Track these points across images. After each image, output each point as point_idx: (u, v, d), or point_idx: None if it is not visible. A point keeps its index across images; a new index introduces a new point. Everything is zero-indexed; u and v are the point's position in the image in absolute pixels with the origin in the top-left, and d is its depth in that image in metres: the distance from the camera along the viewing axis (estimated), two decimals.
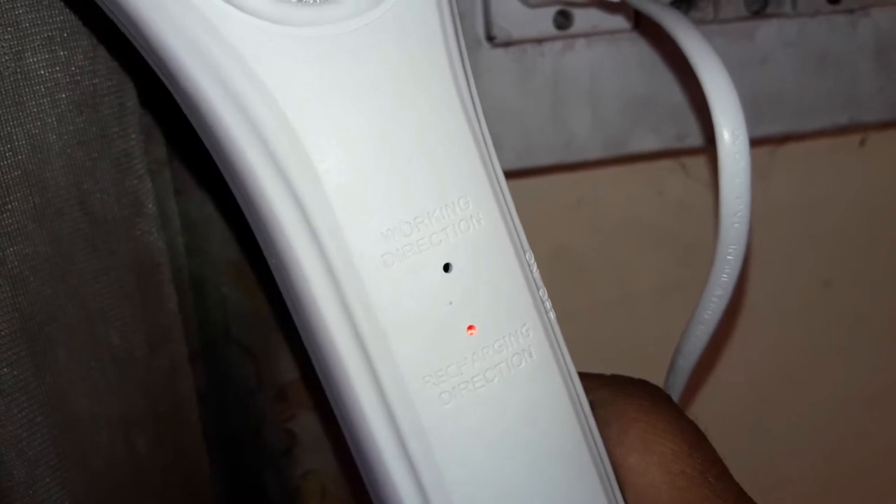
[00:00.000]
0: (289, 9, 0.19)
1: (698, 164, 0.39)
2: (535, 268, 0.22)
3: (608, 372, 0.26)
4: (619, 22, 0.34)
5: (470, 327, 0.21)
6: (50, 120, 0.26)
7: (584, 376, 0.24)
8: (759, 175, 0.40)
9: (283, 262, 0.20)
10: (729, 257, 0.26)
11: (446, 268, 0.20)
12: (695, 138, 0.36)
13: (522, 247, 0.22)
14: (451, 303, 0.20)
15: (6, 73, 0.24)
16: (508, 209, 0.22)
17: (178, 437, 0.32)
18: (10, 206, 0.25)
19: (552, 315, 0.23)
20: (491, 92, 0.34)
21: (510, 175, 0.37)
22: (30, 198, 0.25)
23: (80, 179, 0.27)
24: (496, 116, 0.35)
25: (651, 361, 0.34)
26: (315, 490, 0.35)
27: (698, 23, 0.33)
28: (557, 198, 0.39)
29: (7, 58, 0.24)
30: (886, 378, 0.45)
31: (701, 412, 0.42)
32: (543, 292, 0.22)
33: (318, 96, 0.19)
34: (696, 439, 0.24)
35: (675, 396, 0.31)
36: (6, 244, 0.25)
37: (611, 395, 0.25)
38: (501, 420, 0.21)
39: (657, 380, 0.32)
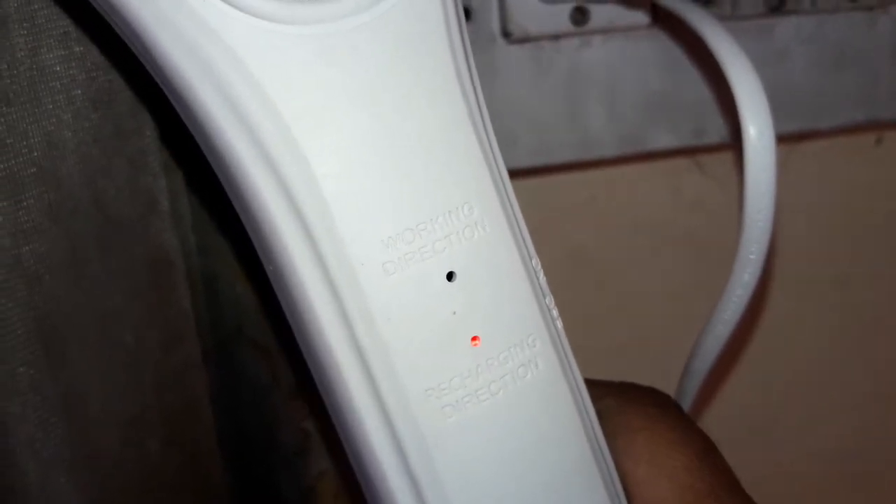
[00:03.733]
0: (286, 6, 0.18)
1: (714, 162, 0.39)
2: (541, 275, 0.22)
3: (616, 377, 0.25)
4: (636, 18, 0.34)
5: (474, 338, 0.20)
6: (66, 117, 0.25)
7: (590, 384, 0.23)
8: None
9: (281, 269, 0.20)
10: (751, 256, 0.25)
11: (450, 276, 0.20)
12: (712, 135, 0.36)
13: (529, 253, 0.21)
14: (454, 312, 0.20)
15: (22, 69, 0.24)
16: (514, 215, 0.21)
17: (191, 436, 0.32)
18: (25, 203, 0.24)
19: (559, 324, 0.22)
20: (506, 89, 0.34)
21: (524, 173, 0.37)
22: (45, 195, 0.25)
23: (94, 177, 0.27)
24: (511, 113, 0.34)
25: (663, 362, 0.34)
26: (330, 490, 0.34)
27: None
28: (571, 196, 0.38)
29: (22, 54, 0.24)
30: None
31: (711, 414, 0.42)
32: (550, 300, 0.22)
33: (316, 97, 0.19)
34: (705, 450, 0.24)
35: (690, 399, 0.31)
36: (22, 242, 0.24)
37: (617, 403, 0.24)
38: (507, 434, 0.20)
39: (670, 381, 0.32)
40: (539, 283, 0.21)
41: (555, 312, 0.22)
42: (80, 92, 0.25)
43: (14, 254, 0.24)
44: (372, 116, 0.19)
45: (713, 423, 0.42)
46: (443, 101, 0.20)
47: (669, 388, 0.32)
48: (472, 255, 0.20)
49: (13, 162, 0.24)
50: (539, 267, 0.22)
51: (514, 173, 0.37)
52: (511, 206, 0.21)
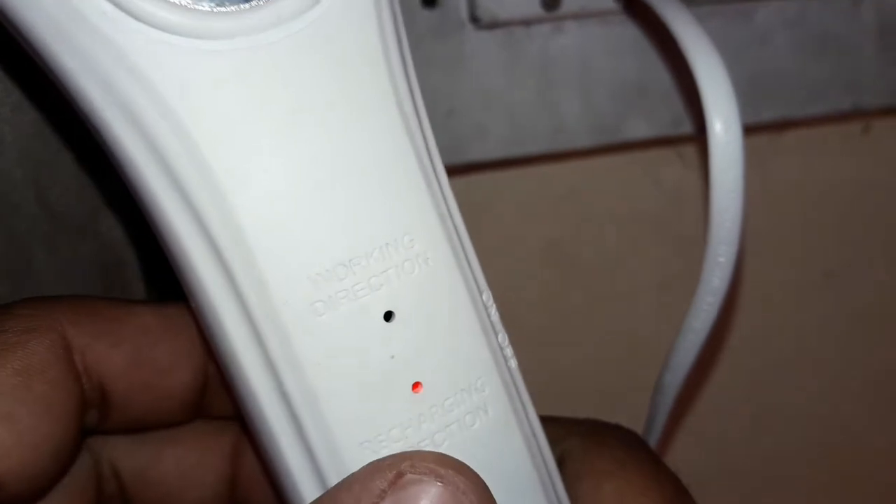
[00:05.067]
0: (197, 19, 0.16)
1: (695, 152, 0.38)
2: (493, 310, 0.20)
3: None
4: (609, 3, 0.32)
5: (415, 385, 0.18)
6: (3, 110, 0.24)
7: (551, 422, 0.21)
8: (757, 164, 0.39)
9: (199, 307, 0.18)
10: (720, 259, 0.24)
11: (388, 316, 0.18)
12: (691, 124, 0.35)
13: (478, 287, 0.20)
14: (392, 357, 0.18)
15: None
16: (462, 245, 0.19)
17: None
18: None
19: (513, 363, 0.20)
20: (476, 77, 0.33)
21: (497, 165, 0.35)
22: None
23: (37, 174, 0.26)
24: (481, 103, 0.33)
25: (647, 359, 0.33)
26: None
27: (695, 2, 0.32)
28: (547, 188, 0.37)
29: None
30: (890, 370, 0.43)
31: (694, 411, 0.41)
32: (503, 338, 0.20)
33: (233, 119, 0.17)
34: (676, 495, 0.22)
35: (664, 414, 0.30)
36: None
37: (582, 444, 0.23)
38: None
39: (652, 378, 0.31)
40: (490, 320, 0.20)
41: (508, 351, 0.20)
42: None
43: None
44: (296, 139, 0.17)
45: (699, 421, 0.41)
46: (378, 123, 0.18)
47: (650, 386, 0.31)
48: (413, 292, 0.18)
49: None
50: (491, 301, 0.20)
51: (487, 165, 0.36)
52: (458, 235, 0.19)
